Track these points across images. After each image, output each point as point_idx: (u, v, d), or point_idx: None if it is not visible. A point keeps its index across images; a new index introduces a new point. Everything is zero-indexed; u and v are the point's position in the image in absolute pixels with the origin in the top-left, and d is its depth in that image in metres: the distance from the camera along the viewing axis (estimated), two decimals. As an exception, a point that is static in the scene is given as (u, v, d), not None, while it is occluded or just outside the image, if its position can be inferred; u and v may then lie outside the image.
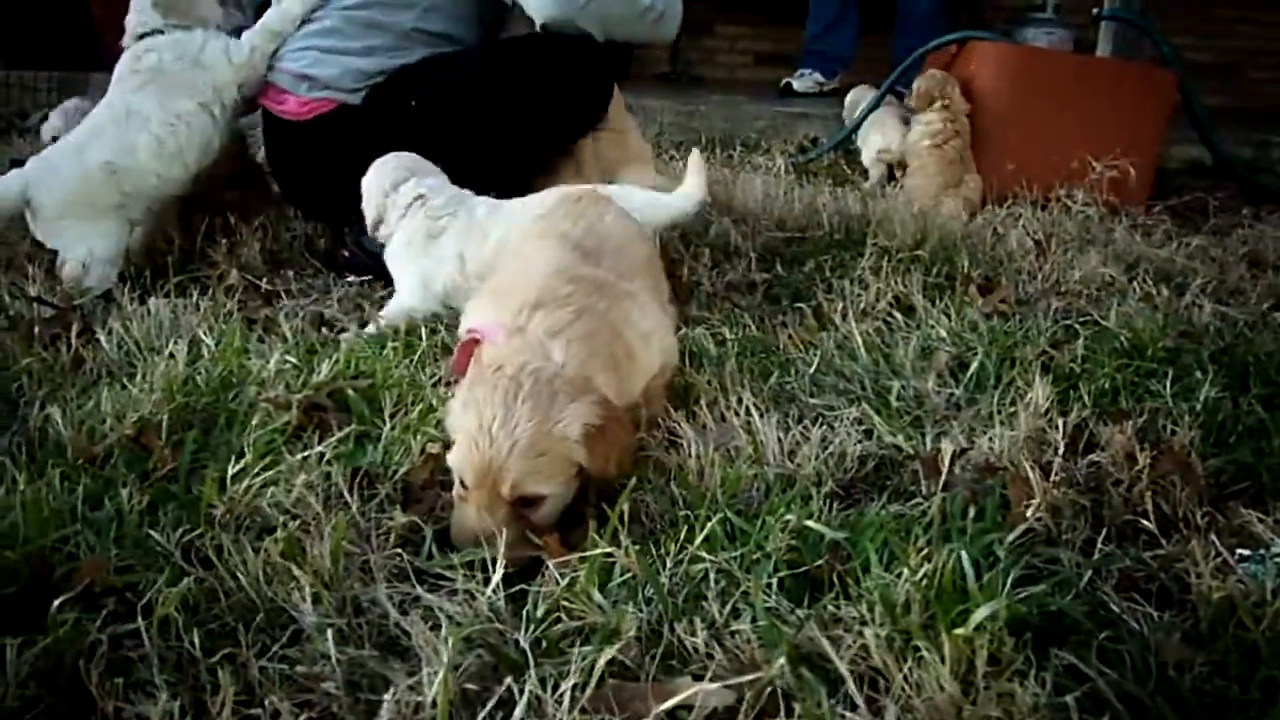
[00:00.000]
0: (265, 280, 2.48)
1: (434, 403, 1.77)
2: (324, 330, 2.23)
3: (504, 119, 2.58)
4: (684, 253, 2.84)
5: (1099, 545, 1.41)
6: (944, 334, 2.22)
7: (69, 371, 1.94)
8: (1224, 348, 2.18)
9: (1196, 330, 2.30)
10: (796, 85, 6.23)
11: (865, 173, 4.21)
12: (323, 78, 2.55)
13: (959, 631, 1.09)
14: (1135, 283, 2.68)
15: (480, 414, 1.38)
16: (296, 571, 1.27)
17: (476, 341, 1.62)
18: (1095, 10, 4.58)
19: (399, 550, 1.37)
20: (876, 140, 4.13)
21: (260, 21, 2.59)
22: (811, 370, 2.03)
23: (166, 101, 2.47)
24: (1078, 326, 2.27)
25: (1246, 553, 1.37)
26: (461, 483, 1.41)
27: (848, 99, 4.60)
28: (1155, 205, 3.76)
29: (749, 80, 7.22)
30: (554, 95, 2.63)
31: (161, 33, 2.50)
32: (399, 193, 2.34)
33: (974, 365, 2.00)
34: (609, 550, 1.30)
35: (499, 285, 1.76)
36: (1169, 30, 4.24)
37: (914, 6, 5.83)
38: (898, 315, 2.36)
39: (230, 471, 1.50)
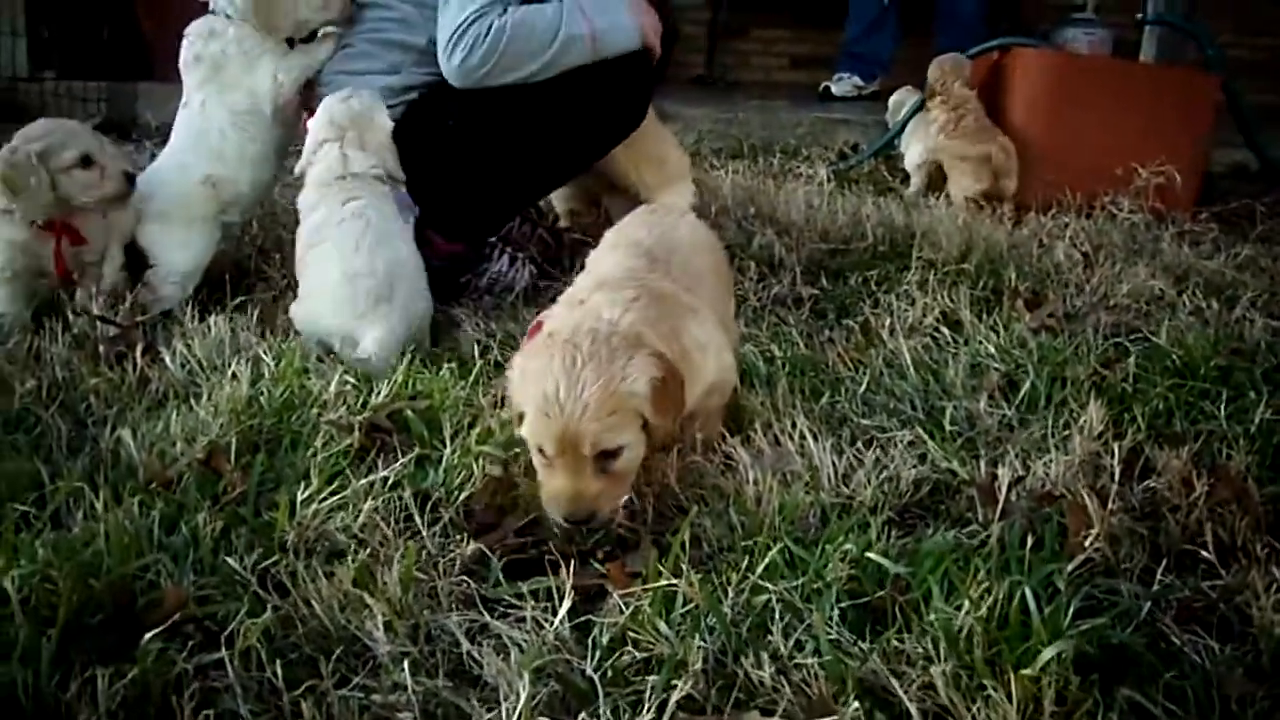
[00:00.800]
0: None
1: (492, 426, 1.80)
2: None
3: (537, 135, 2.60)
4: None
5: (1158, 575, 1.41)
6: (993, 350, 2.22)
7: (135, 391, 1.99)
8: (1277, 365, 2.16)
9: (1248, 347, 2.28)
10: (835, 89, 6.19)
11: (907, 178, 4.19)
12: None
13: (1026, 671, 1.11)
14: (1185, 296, 2.67)
15: (544, 386, 1.45)
16: (369, 600, 1.30)
17: (542, 325, 1.68)
18: (1139, 15, 4.53)
19: (465, 577, 1.40)
20: (919, 147, 4.11)
21: (290, 61, 2.61)
22: (861, 390, 2.04)
23: (226, 100, 2.53)
24: (1128, 344, 2.26)
25: (1308, 585, 1.37)
26: (541, 450, 1.48)
27: (891, 101, 4.57)
28: (1201, 212, 3.73)
29: (785, 84, 7.19)
30: (585, 110, 2.63)
31: (230, 17, 2.54)
32: (320, 151, 2.35)
33: (1025, 386, 2.00)
34: (672, 581, 1.32)
35: (570, 294, 1.78)
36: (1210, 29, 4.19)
37: (957, 7, 5.79)
38: (945, 330, 2.36)
39: (299, 496, 1.54)
